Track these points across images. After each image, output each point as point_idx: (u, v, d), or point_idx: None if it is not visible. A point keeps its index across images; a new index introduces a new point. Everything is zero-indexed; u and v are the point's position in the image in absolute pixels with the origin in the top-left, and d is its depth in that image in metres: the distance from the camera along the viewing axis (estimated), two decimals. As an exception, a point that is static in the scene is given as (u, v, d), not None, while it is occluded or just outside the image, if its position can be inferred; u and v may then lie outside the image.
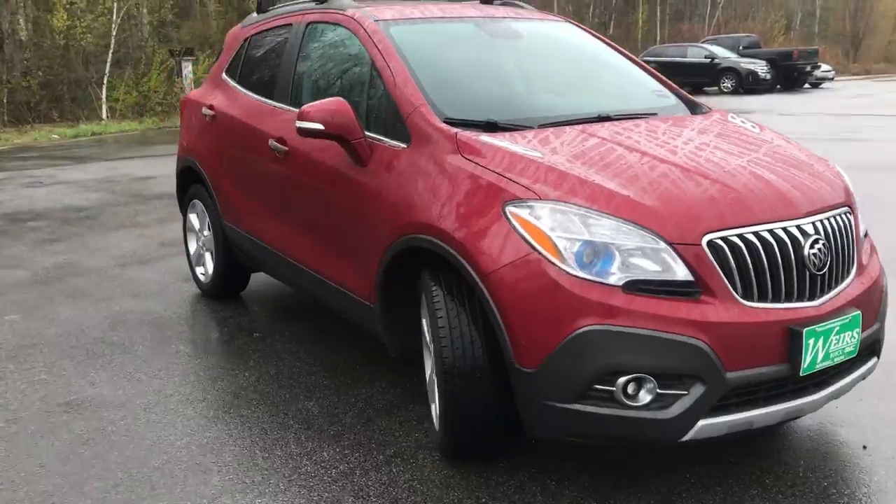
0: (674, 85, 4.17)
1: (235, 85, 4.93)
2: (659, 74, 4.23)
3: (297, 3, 4.72)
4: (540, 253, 2.73)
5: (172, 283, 5.75)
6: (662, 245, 2.68)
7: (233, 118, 4.72)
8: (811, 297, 2.82)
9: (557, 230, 2.74)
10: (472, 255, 2.87)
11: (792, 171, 3.13)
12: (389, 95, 3.51)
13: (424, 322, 3.37)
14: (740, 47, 30.48)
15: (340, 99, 3.52)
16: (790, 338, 2.73)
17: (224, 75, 5.14)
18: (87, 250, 6.75)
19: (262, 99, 4.51)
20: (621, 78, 4.14)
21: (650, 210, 2.75)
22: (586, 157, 3.05)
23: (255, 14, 5.20)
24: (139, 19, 24.14)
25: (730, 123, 3.70)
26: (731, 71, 27.51)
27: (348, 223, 3.65)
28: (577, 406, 2.71)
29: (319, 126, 3.48)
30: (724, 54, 28.35)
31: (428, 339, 3.33)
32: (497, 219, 2.85)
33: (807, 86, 30.00)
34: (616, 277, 2.67)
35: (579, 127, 3.39)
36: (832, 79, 32.26)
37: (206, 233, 5.27)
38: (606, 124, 3.44)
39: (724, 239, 2.72)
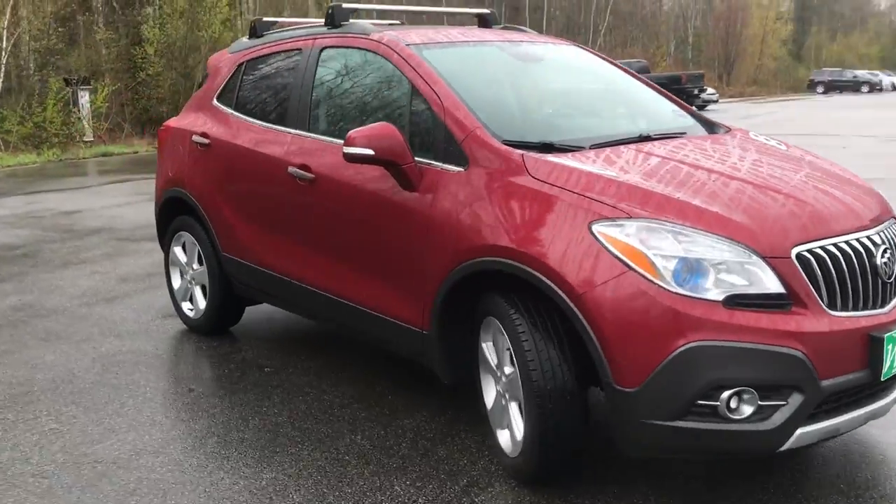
0: (686, 105, 4.29)
1: (232, 112, 4.75)
2: (671, 95, 4.35)
3: (301, 28, 4.62)
4: (636, 271, 2.75)
5: (151, 320, 5.47)
6: (755, 259, 2.75)
7: (236, 146, 4.55)
8: (882, 305, 2.95)
9: (653, 248, 2.76)
10: (560, 276, 2.85)
11: (844, 185, 3.27)
12: (437, 119, 3.47)
13: (486, 347, 3.34)
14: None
15: (388, 124, 3.46)
16: (871, 344, 2.83)
17: (215, 102, 4.95)
18: (40, 290, 6.33)
19: (272, 126, 4.37)
20: (641, 98, 4.23)
21: (741, 225, 2.81)
22: (658, 176, 3.09)
23: (244, 39, 5.06)
24: (20, 48, 22.95)
25: (760, 141, 3.84)
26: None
27: (394, 249, 3.57)
28: (679, 423, 2.72)
29: (369, 151, 3.40)
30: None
31: (492, 363, 3.29)
32: (585, 239, 2.86)
33: (694, 108, 31.46)
34: (714, 293, 2.71)
35: (633, 146, 3.44)
36: (716, 101, 33.98)
37: (195, 266, 5.05)
38: (655, 143, 3.51)
39: (809, 251, 2.81)
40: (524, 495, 3.11)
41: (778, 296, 2.74)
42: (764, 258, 2.75)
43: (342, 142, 3.62)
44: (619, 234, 2.82)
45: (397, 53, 3.78)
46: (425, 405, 3.95)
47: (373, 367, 4.43)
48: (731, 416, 2.71)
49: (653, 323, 2.71)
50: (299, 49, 4.40)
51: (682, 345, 2.67)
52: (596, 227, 2.86)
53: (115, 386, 4.31)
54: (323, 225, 3.98)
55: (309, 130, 4.13)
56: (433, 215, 3.36)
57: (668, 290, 2.71)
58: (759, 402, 2.71)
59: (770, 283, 2.74)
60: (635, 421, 2.78)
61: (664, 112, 4.12)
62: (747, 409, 2.71)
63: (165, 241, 5.29)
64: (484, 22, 4.85)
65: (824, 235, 2.88)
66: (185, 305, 5.22)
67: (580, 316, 2.82)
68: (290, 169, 4.09)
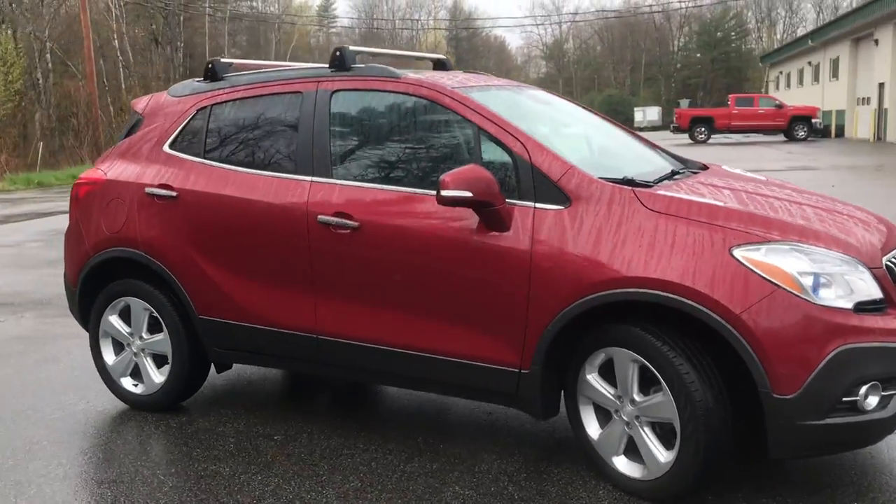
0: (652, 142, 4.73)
1: (202, 160, 4.30)
2: (641, 135, 4.77)
3: (274, 71, 4.35)
4: (783, 289, 3.06)
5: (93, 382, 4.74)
6: (863, 270, 3.20)
7: (221, 197, 4.14)
8: None
9: (793, 266, 3.10)
10: (713, 300, 3.07)
11: (856, 209, 3.87)
12: (520, 160, 3.52)
13: (591, 379, 3.44)
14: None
15: (478, 165, 3.45)
16: None
17: (168, 149, 4.44)
18: None
19: (272, 174, 4.06)
20: (629, 139, 4.58)
21: (847, 242, 3.26)
22: (751, 204, 3.45)
23: (194, 82, 4.60)
24: None
25: (750, 174, 4.36)
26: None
27: (483, 292, 3.53)
28: (826, 420, 3.07)
29: (467, 194, 3.36)
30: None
31: (607, 393, 3.40)
32: (729, 263, 3.11)
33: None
34: (844, 301, 3.11)
35: (689, 181, 3.76)
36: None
37: (146, 335, 4.47)
38: (699, 177, 3.88)
39: (889, 261, 3.34)
40: (671, 513, 3.26)
41: (879, 300, 3.21)
42: (868, 269, 3.21)
43: (392, 188, 3.70)
44: (760, 257, 3.11)
45: (449, 96, 3.76)
46: (491, 447, 3.91)
47: (392, 421, 4.27)
48: (864, 408, 3.11)
49: (806, 333, 3.04)
50: (297, 92, 4.14)
51: (833, 349, 3.03)
52: (737, 252, 3.13)
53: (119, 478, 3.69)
54: (373, 273, 3.79)
55: (333, 177, 3.92)
56: (536, 254, 3.40)
57: (813, 303, 3.06)
58: (882, 393, 3.14)
59: (873, 290, 3.20)
60: (792, 424, 3.07)
61: (653, 152, 4.50)
62: (874, 401, 3.13)
63: (94, 309, 4.60)
64: (441, 66, 4.93)
65: (893, 247, 3.43)
66: (127, 382, 4.58)
67: (738, 335, 3.06)
68: (322, 218, 3.84)
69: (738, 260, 3.12)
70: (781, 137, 34.25)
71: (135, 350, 4.54)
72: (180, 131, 4.43)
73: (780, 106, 34.45)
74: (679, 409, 3.16)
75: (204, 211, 4.21)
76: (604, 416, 3.51)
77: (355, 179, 3.89)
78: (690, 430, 3.15)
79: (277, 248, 4.02)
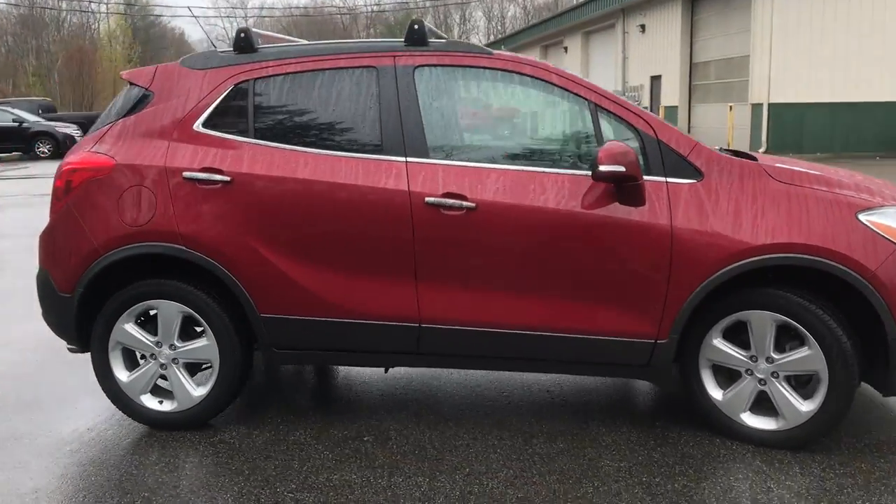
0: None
1: (254, 141, 3.79)
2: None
3: (344, 44, 3.98)
4: None
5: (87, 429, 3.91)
6: None
7: (294, 181, 3.71)
8: None
9: None
10: (853, 259, 3.46)
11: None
12: (647, 137, 3.63)
13: (718, 343, 3.65)
14: (39, 111, 29.19)
15: (620, 142, 3.50)
16: None
17: (203, 128, 3.85)
18: None
19: (357, 155, 3.73)
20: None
21: None
22: (836, 176, 3.86)
23: (218, 53, 4.02)
24: None
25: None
26: (47, 135, 26.22)
27: (619, 266, 3.58)
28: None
29: (620, 168, 3.42)
30: (32, 118, 26.80)
31: (739, 356, 3.62)
32: (857, 227, 3.51)
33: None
34: None
35: (764, 159, 4.10)
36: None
37: (179, 343, 3.86)
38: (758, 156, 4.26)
39: None
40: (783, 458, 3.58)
41: None
42: None
43: (512, 167, 3.67)
44: (880, 219, 3.54)
45: (556, 74, 3.75)
46: (599, 437, 3.96)
47: (451, 421, 4.14)
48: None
49: None
50: (369, 67, 3.83)
51: None
52: (862, 217, 3.53)
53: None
54: (493, 254, 3.65)
55: (431, 157, 3.70)
56: (676, 226, 3.54)
57: None
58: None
59: None
60: None
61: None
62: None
63: (101, 318, 3.87)
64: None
65: None
66: (148, 400, 3.93)
67: (873, 290, 3.46)
68: (432, 200, 3.62)
69: (864, 223, 3.51)
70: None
71: (162, 361, 3.91)
72: (216, 108, 3.89)
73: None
74: (829, 360, 3.49)
75: (272, 197, 3.75)
76: (724, 377, 3.73)
77: (461, 159, 3.72)
78: (839, 379, 3.49)
79: (370, 233, 3.72)
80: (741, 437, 3.73)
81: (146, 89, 4.00)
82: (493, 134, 3.90)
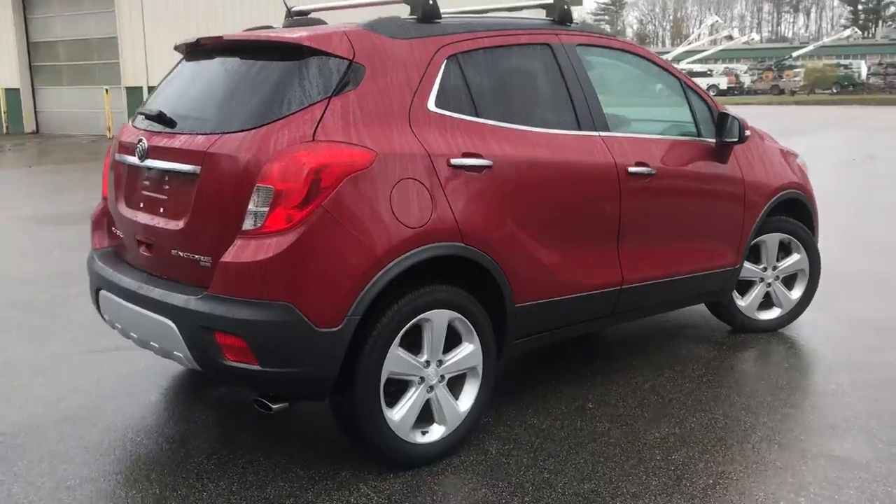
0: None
1: (483, 120, 3.43)
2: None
3: (513, 19, 3.78)
4: None
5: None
6: None
7: (538, 162, 3.58)
8: None
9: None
10: (808, 190, 5.09)
11: None
12: (711, 108, 4.59)
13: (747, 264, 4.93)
14: None
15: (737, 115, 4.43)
16: None
17: (436, 108, 3.29)
18: None
19: (571, 132, 3.80)
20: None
21: None
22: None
23: (408, 20, 3.35)
24: None
25: None
26: None
27: (722, 212, 4.51)
28: None
29: (740, 135, 4.39)
30: None
31: (755, 271, 4.94)
32: (799, 167, 5.14)
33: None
34: None
35: None
36: None
37: (444, 356, 3.33)
38: None
39: None
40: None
41: None
42: None
43: (671, 137, 4.33)
44: (801, 160, 5.24)
45: (653, 56, 4.38)
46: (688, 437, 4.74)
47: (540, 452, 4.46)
48: None
49: None
50: (545, 44, 3.81)
51: None
52: (798, 160, 5.18)
53: None
54: (664, 214, 4.15)
55: (611, 130, 3.97)
56: (742, 177, 4.62)
57: None
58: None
59: None
60: None
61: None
62: None
63: (373, 347, 3.05)
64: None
65: None
66: (416, 435, 3.29)
67: (810, 207, 5.14)
68: (633, 169, 3.95)
69: (799, 165, 5.16)
70: None
71: (432, 382, 3.30)
72: (440, 85, 3.39)
73: None
74: (812, 260, 5.04)
75: (523, 180, 3.53)
76: (742, 286, 4.97)
77: (628, 131, 4.09)
78: (815, 271, 5.08)
79: (593, 208, 3.86)
80: (751, 328, 5.02)
81: (353, 61, 3.21)
82: (633, 107, 4.32)
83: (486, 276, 3.43)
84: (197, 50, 3.65)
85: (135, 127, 3.63)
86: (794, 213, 5.04)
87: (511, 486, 3.18)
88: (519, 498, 3.09)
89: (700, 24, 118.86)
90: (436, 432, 3.37)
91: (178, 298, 3.11)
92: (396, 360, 3.17)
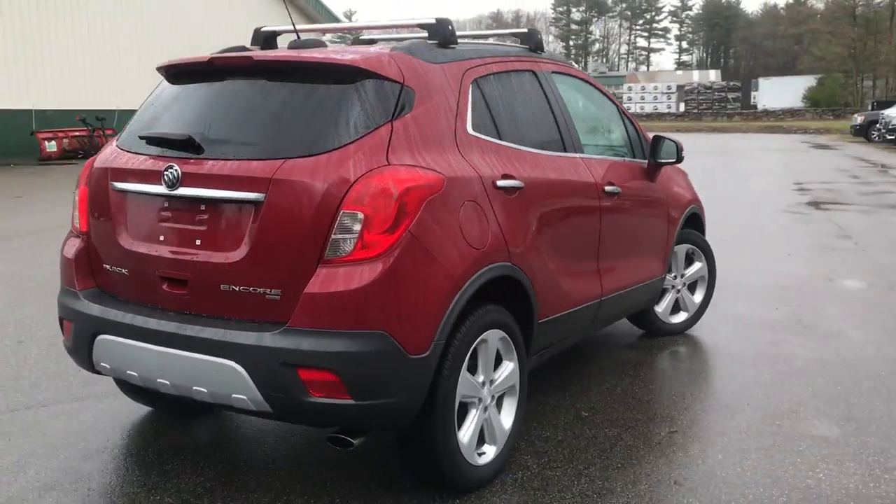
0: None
1: (507, 144, 3.53)
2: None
3: (503, 46, 3.94)
4: None
5: None
6: None
7: (553, 182, 3.81)
8: None
9: None
10: (700, 204, 5.69)
11: None
12: (637, 131, 5.00)
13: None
14: None
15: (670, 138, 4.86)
16: None
17: (473, 131, 3.33)
18: None
19: (564, 154, 4.03)
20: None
21: None
22: None
23: (429, 43, 3.32)
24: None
25: None
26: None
27: (657, 228, 4.92)
28: None
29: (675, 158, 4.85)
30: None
31: (672, 280, 5.45)
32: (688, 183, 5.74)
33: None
34: None
35: None
36: None
37: (494, 376, 3.37)
38: None
39: None
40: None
41: None
42: None
43: (621, 159, 4.71)
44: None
45: (598, 84, 4.70)
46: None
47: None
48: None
49: None
50: (531, 71, 3.98)
51: None
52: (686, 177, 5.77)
53: None
54: (626, 227, 4.47)
55: (585, 152, 4.21)
56: (665, 195, 5.07)
57: None
58: None
59: None
60: None
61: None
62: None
63: (450, 369, 3.02)
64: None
65: None
66: (473, 456, 3.29)
67: (702, 218, 5.76)
68: (607, 188, 4.22)
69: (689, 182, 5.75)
70: None
71: (487, 403, 3.32)
72: (472, 108, 3.45)
73: None
74: (710, 268, 5.62)
75: (543, 200, 3.70)
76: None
77: (594, 153, 4.36)
78: (713, 277, 5.66)
79: (587, 225, 4.11)
80: (666, 332, 5.49)
81: (402, 84, 3.16)
82: (590, 131, 4.55)
83: (521, 294, 3.52)
84: (202, 71, 3.39)
85: (139, 153, 3.29)
86: (693, 225, 5.60)
87: (575, 495, 3.29)
88: (591, 505, 3.22)
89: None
90: (490, 452, 3.39)
91: (245, 336, 2.88)
92: (465, 383, 3.17)
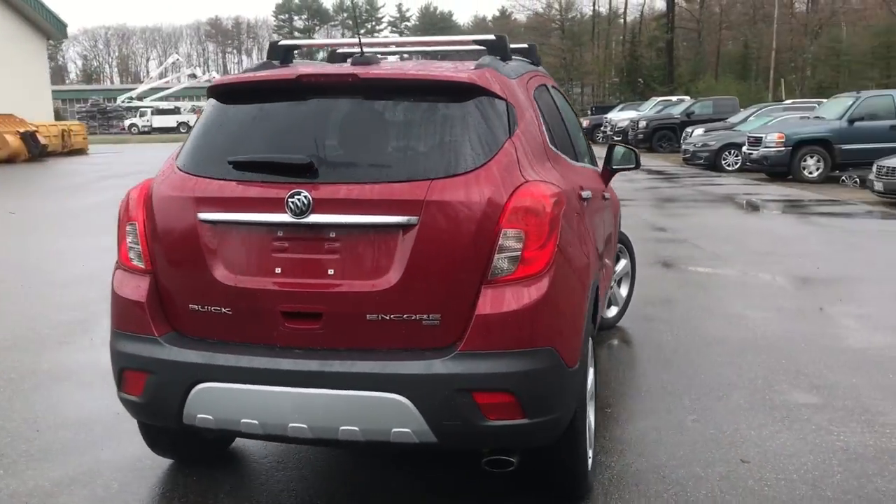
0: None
1: (561, 154, 3.64)
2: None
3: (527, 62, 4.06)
4: None
5: None
6: None
7: (593, 191, 3.99)
8: None
9: None
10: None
11: None
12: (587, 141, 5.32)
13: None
14: None
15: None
16: None
17: (552, 146, 3.43)
18: None
19: (578, 163, 4.16)
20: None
21: None
22: None
23: (498, 60, 3.33)
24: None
25: None
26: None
27: (607, 230, 5.22)
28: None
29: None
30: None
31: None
32: None
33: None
34: None
35: None
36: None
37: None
38: None
39: None
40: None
41: None
42: None
43: (592, 167, 4.99)
44: None
45: (564, 94, 4.94)
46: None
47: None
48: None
49: None
50: (545, 84, 4.11)
51: None
52: None
53: None
54: (592, 234, 4.73)
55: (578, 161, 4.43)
56: (612, 199, 5.42)
57: None
58: None
59: None
60: None
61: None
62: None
63: (587, 371, 3.10)
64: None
65: None
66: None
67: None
68: (583, 194, 4.45)
69: None
70: None
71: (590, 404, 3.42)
72: (546, 122, 3.53)
73: None
74: (632, 263, 6.07)
75: (594, 209, 3.96)
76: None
77: (574, 160, 4.56)
78: (634, 272, 6.12)
79: (587, 229, 4.26)
80: (603, 326, 5.84)
81: (507, 100, 3.16)
82: (575, 138, 4.70)
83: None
84: (283, 89, 3.13)
85: (237, 180, 2.96)
86: (615, 227, 6.04)
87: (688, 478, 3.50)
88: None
89: (148, 61, 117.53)
90: (589, 453, 3.50)
91: (410, 366, 2.75)
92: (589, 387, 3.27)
